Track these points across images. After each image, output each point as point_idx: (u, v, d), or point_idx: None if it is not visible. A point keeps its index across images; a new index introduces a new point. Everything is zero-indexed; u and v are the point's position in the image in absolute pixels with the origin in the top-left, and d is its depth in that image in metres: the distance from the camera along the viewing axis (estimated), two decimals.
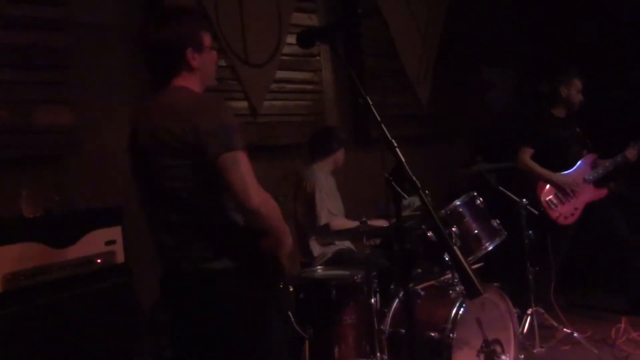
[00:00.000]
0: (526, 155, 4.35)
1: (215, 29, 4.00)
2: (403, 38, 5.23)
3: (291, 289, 2.64)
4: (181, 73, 2.14)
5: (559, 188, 4.32)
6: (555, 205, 4.31)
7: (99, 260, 2.97)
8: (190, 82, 2.15)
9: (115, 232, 3.06)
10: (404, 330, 3.07)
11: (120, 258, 3.06)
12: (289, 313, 2.84)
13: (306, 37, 2.07)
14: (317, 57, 4.69)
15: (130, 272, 3.08)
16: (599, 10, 5.71)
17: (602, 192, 4.40)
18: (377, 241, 3.92)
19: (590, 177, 4.38)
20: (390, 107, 5.02)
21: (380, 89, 5.00)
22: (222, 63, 4.09)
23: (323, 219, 3.63)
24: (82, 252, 2.90)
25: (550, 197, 4.33)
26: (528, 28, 6.14)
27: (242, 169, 1.97)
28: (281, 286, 2.28)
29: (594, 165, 4.45)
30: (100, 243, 2.99)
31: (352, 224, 3.70)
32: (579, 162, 4.42)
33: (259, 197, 1.98)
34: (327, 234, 3.63)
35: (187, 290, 2.10)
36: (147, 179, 2.12)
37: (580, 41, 5.76)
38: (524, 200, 3.73)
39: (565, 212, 4.32)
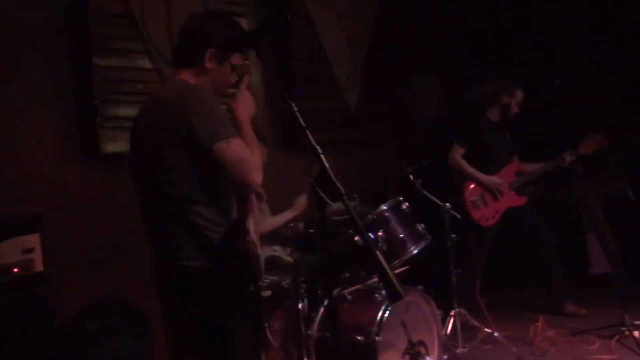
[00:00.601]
0: (458, 153, 4.49)
1: (141, 31, 3.92)
2: (332, 43, 5.27)
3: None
4: (193, 68, 2.20)
5: (485, 189, 4.47)
6: (479, 206, 4.46)
7: (15, 270, 2.86)
8: (197, 81, 2.20)
9: (33, 240, 2.95)
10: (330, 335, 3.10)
11: (38, 266, 2.96)
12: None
13: (233, 42, 2.07)
14: (247, 62, 4.66)
15: (48, 281, 2.97)
16: (524, 19, 5.95)
17: (522, 199, 4.58)
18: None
19: (514, 185, 4.56)
20: (320, 112, 5.05)
21: (310, 94, 5.02)
22: (149, 65, 4.02)
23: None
24: None
25: (475, 197, 4.47)
26: (455, 35, 6.31)
27: (238, 153, 2.05)
28: (252, 289, 2.29)
29: (518, 173, 4.63)
30: (17, 251, 2.88)
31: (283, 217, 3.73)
32: (504, 168, 4.59)
33: (260, 178, 2.10)
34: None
35: (171, 285, 2.17)
36: (142, 176, 2.19)
37: (506, 49, 5.99)
38: (448, 204, 3.83)
39: (487, 214, 4.47)
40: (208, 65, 2.19)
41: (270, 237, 3.72)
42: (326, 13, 5.22)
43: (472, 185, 4.50)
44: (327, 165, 1.86)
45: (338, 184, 1.85)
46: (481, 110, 4.66)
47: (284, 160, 4.51)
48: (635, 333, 3.82)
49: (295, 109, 1.94)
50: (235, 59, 2.25)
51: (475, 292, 4.20)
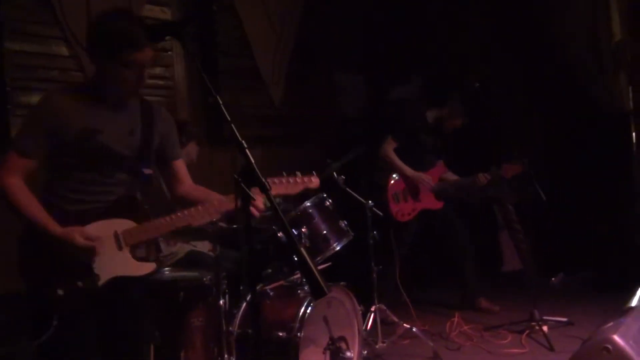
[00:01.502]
0: (390, 146, 4.57)
1: (58, 16, 3.76)
2: (258, 38, 5.24)
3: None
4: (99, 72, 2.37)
5: (409, 185, 4.57)
6: (398, 200, 4.56)
7: None
8: (102, 84, 2.35)
9: None
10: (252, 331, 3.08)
11: None
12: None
13: (156, 31, 2.03)
14: (169, 52, 4.57)
15: None
16: (447, 19, 6.12)
17: (439, 204, 4.71)
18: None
19: (435, 188, 4.67)
20: (244, 107, 5.02)
21: (234, 89, 4.98)
22: (66, 53, 3.87)
23: None
24: None
25: (397, 191, 4.57)
26: (379, 34, 6.41)
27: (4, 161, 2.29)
28: (80, 285, 2.28)
29: (441, 178, 4.75)
30: None
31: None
32: (430, 170, 4.70)
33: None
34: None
35: None
36: None
37: (428, 51, 6.14)
38: (370, 202, 3.89)
39: (404, 210, 4.58)
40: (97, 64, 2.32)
41: (191, 232, 3.66)
42: (252, 6, 5.19)
43: (395, 179, 4.59)
44: (252, 160, 1.84)
45: (263, 179, 1.84)
46: (421, 108, 4.74)
47: (208, 155, 4.43)
48: (544, 328, 4.01)
49: (221, 102, 1.90)
50: (129, 56, 2.24)
51: (396, 288, 4.28)
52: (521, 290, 4.72)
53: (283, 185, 2.61)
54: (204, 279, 3.16)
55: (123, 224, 2.38)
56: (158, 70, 4.49)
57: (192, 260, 3.68)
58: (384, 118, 5.62)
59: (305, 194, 4.16)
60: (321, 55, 5.95)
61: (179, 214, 2.42)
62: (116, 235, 2.36)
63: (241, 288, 3.35)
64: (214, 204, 2.47)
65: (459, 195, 4.84)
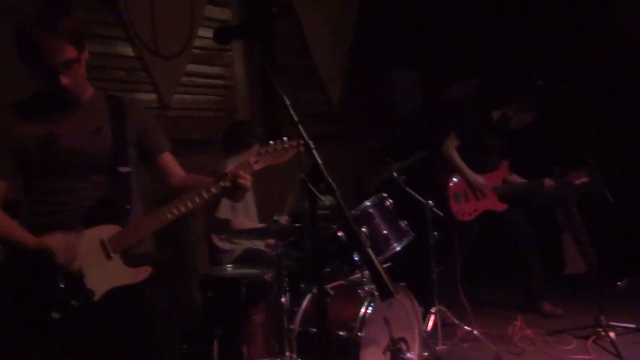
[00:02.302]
0: (453, 144, 4.53)
1: (123, 17, 3.87)
2: (315, 37, 5.27)
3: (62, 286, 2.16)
4: None
5: (469, 185, 4.51)
6: (459, 200, 4.50)
7: None
8: None
9: None
10: (313, 329, 3.10)
11: None
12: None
13: (223, 33, 2.04)
14: (230, 52, 4.63)
15: None
16: (505, 17, 6.01)
17: (503, 206, 4.62)
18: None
19: (498, 190, 4.60)
20: (302, 106, 5.04)
21: (292, 87, 5.01)
22: (131, 53, 3.97)
23: (222, 212, 3.62)
24: None
25: (458, 190, 4.52)
26: (436, 32, 6.35)
27: None
28: (75, 304, 2.13)
29: (505, 180, 4.67)
30: None
31: (257, 225, 3.71)
32: (494, 171, 4.63)
33: None
34: (227, 230, 3.63)
35: None
36: None
37: (487, 49, 6.04)
38: (430, 202, 3.85)
39: (465, 210, 4.52)
40: None
41: (251, 231, 3.72)
42: (310, 6, 5.22)
43: (456, 179, 4.54)
44: (319, 160, 1.86)
45: (330, 180, 1.84)
46: (489, 108, 4.68)
47: None
48: (611, 334, 3.89)
49: (288, 102, 1.92)
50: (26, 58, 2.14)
51: (455, 289, 4.23)
52: (586, 295, 4.59)
53: (270, 155, 2.46)
54: (266, 276, 3.20)
55: (107, 230, 2.24)
56: (218, 70, 4.57)
57: (250, 258, 3.74)
58: (442, 116, 5.56)
59: (364, 193, 4.17)
60: (378, 53, 5.94)
61: (163, 207, 2.29)
62: (102, 244, 2.22)
63: (302, 286, 3.38)
64: (201, 194, 2.31)
65: (523, 197, 4.74)
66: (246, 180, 2.33)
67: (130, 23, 3.91)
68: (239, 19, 4.60)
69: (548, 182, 4.49)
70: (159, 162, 2.49)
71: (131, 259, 2.27)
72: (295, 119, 1.89)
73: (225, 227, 3.64)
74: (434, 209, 3.86)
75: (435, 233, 3.83)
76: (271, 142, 2.47)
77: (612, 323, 4.02)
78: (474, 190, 4.52)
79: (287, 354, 3.02)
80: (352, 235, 1.88)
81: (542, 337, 4.08)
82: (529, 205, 5.13)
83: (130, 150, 2.37)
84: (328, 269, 3.46)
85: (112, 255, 2.22)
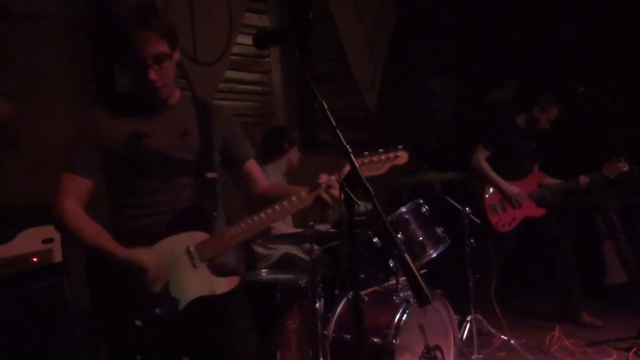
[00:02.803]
0: (482, 155, 4.47)
1: None
2: (352, 43, 5.27)
3: None
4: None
5: (504, 195, 4.45)
6: (497, 211, 4.44)
7: (35, 259, 2.88)
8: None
9: (52, 230, 2.93)
10: (347, 335, 3.10)
11: (57, 257, 2.97)
12: None
13: (263, 38, 2.05)
14: (267, 59, 4.68)
15: (67, 272, 2.99)
16: (543, 24, 5.93)
17: (541, 211, 4.54)
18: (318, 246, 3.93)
19: (534, 195, 4.53)
20: (338, 112, 5.04)
21: (328, 93, 5.02)
22: None
23: None
24: (18, 250, 2.81)
25: (494, 201, 4.46)
26: (473, 38, 6.30)
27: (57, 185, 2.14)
28: (159, 312, 2.08)
29: (539, 184, 4.60)
30: (36, 241, 2.90)
31: (294, 230, 3.72)
32: (528, 176, 4.57)
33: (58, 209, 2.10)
34: (267, 236, 3.64)
35: None
36: None
37: (524, 55, 5.97)
38: (467, 209, 3.81)
39: (504, 220, 4.45)
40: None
41: (287, 236, 3.73)
42: (347, 12, 5.23)
43: (492, 190, 4.48)
44: (357, 165, 1.85)
45: (368, 185, 1.84)
46: (512, 114, 4.63)
47: (303, 161, 4.48)
48: None
49: (326, 106, 1.92)
50: (133, 55, 2.07)
51: (491, 298, 4.18)
52: (626, 305, 4.48)
53: (366, 167, 2.33)
54: (300, 281, 3.20)
55: (194, 238, 2.15)
56: (256, 76, 4.61)
57: (286, 263, 3.76)
58: (478, 123, 5.51)
59: (398, 198, 4.14)
60: (415, 59, 5.92)
61: (254, 217, 2.18)
62: (189, 251, 2.13)
63: (336, 292, 3.38)
64: (293, 202, 2.20)
65: (560, 202, 4.66)
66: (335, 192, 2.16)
67: None
68: (277, 26, 4.64)
69: (583, 179, 4.41)
70: (244, 169, 2.39)
71: (218, 268, 2.18)
72: (334, 123, 1.89)
73: (264, 234, 3.65)
74: (471, 215, 3.82)
75: (471, 240, 3.79)
76: (366, 152, 2.35)
77: None
78: (509, 200, 4.46)
79: (321, 359, 3.02)
80: (389, 240, 1.82)
81: (581, 348, 4.00)
82: (569, 211, 5.04)
83: (216, 156, 2.29)
84: (362, 275, 3.45)
85: (197, 264, 2.13)
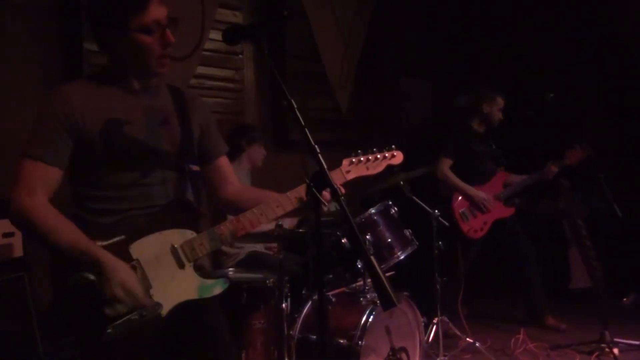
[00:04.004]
0: (446, 165, 4.48)
1: None
2: (326, 42, 5.26)
3: None
4: (111, 56, 2.02)
5: (472, 202, 4.47)
6: (467, 218, 4.46)
7: None
8: (118, 68, 2.01)
9: None
10: (313, 336, 3.07)
11: (18, 252, 2.90)
12: None
13: (232, 34, 2.01)
14: (240, 55, 4.63)
15: (28, 267, 2.91)
16: (514, 26, 5.99)
17: (510, 210, 4.58)
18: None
19: (501, 195, 4.56)
20: (309, 111, 5.03)
21: (301, 92, 5.00)
22: None
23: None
24: None
25: (464, 209, 4.48)
26: (448, 41, 6.33)
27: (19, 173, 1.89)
28: (136, 318, 1.86)
29: (505, 184, 4.63)
30: None
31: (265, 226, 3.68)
32: (492, 179, 4.60)
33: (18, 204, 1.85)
34: None
35: None
36: None
37: (496, 55, 6.01)
38: (436, 211, 3.82)
39: (475, 226, 4.48)
40: (114, 47, 1.96)
41: (255, 235, 3.69)
42: (322, 11, 5.21)
43: (460, 197, 4.50)
44: (325, 165, 1.83)
45: (336, 185, 1.82)
46: (466, 120, 4.66)
47: (274, 159, 4.46)
48: (615, 350, 3.84)
49: (295, 105, 1.89)
50: (138, 20, 1.91)
51: (457, 301, 4.19)
52: (590, 310, 4.53)
53: (362, 165, 2.26)
54: (267, 281, 3.17)
55: (181, 235, 1.98)
56: (228, 73, 4.56)
57: (253, 261, 3.72)
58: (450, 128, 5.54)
59: (368, 199, 4.12)
60: (389, 60, 5.92)
61: (247, 215, 2.03)
62: (174, 250, 1.95)
63: (303, 292, 3.35)
64: (282, 204, 2.07)
65: (528, 205, 4.70)
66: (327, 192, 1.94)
67: None
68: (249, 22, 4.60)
69: (552, 166, 4.46)
70: (216, 165, 2.22)
71: (202, 270, 2.01)
72: (302, 122, 1.86)
73: None
74: (440, 218, 3.83)
75: (440, 243, 3.80)
76: (360, 151, 2.29)
77: (616, 339, 3.98)
78: (477, 205, 4.48)
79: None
80: (356, 242, 1.77)
81: (545, 352, 4.03)
82: (536, 216, 5.09)
83: (195, 148, 2.12)
84: (330, 276, 3.43)
85: (185, 264, 1.96)
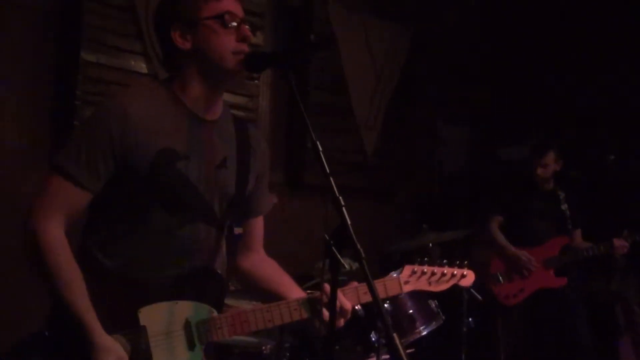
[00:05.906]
0: (496, 224, 4.47)
1: (143, 32, 3.94)
2: (356, 73, 5.28)
3: None
4: (179, 65, 1.97)
5: (511, 263, 4.42)
6: (501, 281, 4.41)
7: None
8: (186, 77, 1.96)
9: None
10: None
11: None
12: None
13: (254, 61, 2.03)
14: (256, 82, 4.68)
15: None
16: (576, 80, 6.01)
17: (561, 281, 4.51)
18: None
19: (553, 262, 4.50)
20: (330, 151, 5.03)
21: (322, 128, 5.02)
22: (144, 70, 4.04)
23: None
24: None
25: (500, 270, 4.44)
26: (493, 87, 6.36)
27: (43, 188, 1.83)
28: None
29: (563, 250, 4.57)
30: None
31: None
32: (548, 241, 4.55)
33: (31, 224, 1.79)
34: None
35: None
36: None
37: (547, 103, 6.03)
38: None
39: (508, 291, 4.43)
40: (186, 45, 1.92)
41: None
42: (354, 36, 5.25)
43: (497, 260, 4.47)
44: (348, 221, 1.82)
45: (359, 246, 1.81)
46: (527, 172, 4.65)
47: (286, 204, 4.43)
48: None
49: (320, 148, 1.89)
50: (206, 8, 1.91)
51: None
52: None
53: (425, 279, 2.27)
54: (264, 347, 3.14)
55: (198, 311, 1.92)
56: (241, 100, 4.60)
57: None
58: (490, 181, 5.54)
59: (389, 258, 4.10)
60: (425, 101, 5.95)
61: (271, 307, 2.02)
62: (188, 327, 1.89)
63: None
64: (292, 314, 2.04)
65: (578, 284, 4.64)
66: (347, 305, 2.03)
67: (149, 37, 3.97)
68: (271, 44, 4.66)
69: (619, 242, 4.40)
70: (249, 224, 2.18)
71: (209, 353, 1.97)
72: (327, 169, 1.85)
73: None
74: (472, 290, 3.79)
75: (469, 319, 3.76)
76: (426, 258, 2.32)
77: None
78: (516, 268, 4.43)
79: None
80: (375, 310, 1.76)
81: None
82: (585, 297, 5.02)
83: (245, 203, 2.07)
84: (337, 347, 3.39)
85: (197, 345, 1.91)
